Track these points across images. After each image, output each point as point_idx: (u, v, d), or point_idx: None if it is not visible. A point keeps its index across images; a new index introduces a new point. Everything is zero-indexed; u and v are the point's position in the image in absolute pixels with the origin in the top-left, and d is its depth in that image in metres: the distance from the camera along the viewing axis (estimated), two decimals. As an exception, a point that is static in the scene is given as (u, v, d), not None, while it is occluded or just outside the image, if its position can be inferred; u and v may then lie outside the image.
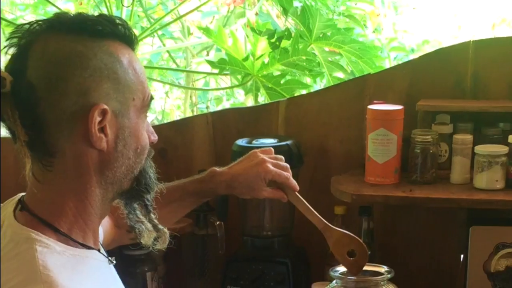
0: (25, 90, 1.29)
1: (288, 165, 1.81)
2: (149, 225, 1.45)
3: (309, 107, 2.53)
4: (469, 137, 2.21)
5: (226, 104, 3.73)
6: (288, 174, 1.79)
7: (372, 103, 2.33)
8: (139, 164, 1.40)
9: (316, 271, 2.46)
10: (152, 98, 1.42)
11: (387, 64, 3.27)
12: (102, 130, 1.32)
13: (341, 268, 1.90)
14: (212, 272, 2.50)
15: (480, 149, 2.14)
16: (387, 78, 2.48)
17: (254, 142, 2.39)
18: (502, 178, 2.13)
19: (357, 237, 1.84)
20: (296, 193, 1.82)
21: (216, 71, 3.00)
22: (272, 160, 1.80)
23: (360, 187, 2.21)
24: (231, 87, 3.56)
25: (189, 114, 3.61)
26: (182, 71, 3.75)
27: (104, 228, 1.66)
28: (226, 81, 3.65)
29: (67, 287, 1.23)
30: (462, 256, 2.25)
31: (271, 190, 1.79)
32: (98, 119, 1.31)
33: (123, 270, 2.46)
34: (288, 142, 2.35)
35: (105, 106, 1.31)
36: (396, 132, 2.23)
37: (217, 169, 1.81)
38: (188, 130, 2.63)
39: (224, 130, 2.60)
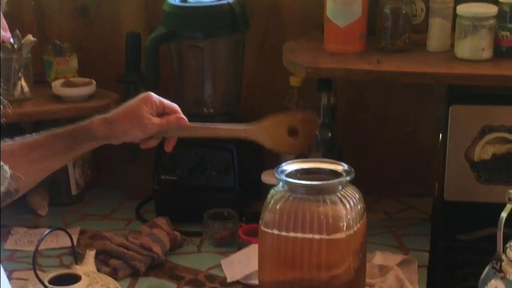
0: None
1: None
2: None
3: (259, -48, 2.23)
4: (450, -6, 1.94)
5: None
6: None
7: None
8: None
9: (270, 155, 2.22)
10: None
11: None
12: None
13: (289, 167, 1.64)
14: (146, 156, 2.24)
15: (463, 9, 1.89)
16: None
17: (189, 0, 2.09)
18: (490, 46, 1.88)
19: (282, 114, 1.66)
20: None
21: None
22: None
23: (317, 58, 1.95)
24: None
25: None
26: None
27: None
28: None
29: None
30: (441, 135, 2.00)
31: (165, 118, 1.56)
32: None
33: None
34: (230, 0, 2.06)
35: None
36: (361, -12, 1.94)
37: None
38: (114, -17, 2.32)
39: (157, -17, 2.29)
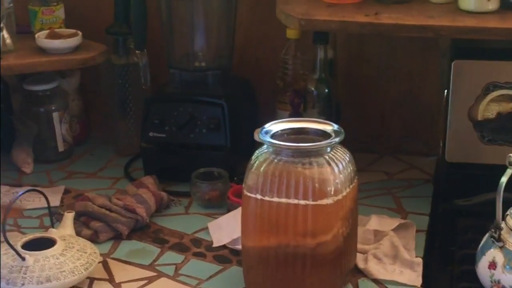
0: None
1: None
2: None
3: None
4: None
5: None
6: None
7: None
8: None
9: (265, 110, 2.15)
10: None
11: None
12: None
13: (275, 127, 1.57)
14: (136, 112, 2.18)
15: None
16: None
17: None
18: (496, -4, 1.77)
19: None
20: None
21: None
22: None
23: (311, 9, 1.85)
24: None
25: None
26: None
27: None
28: None
29: None
30: (446, 91, 1.91)
31: None
32: None
33: (24, 109, 2.16)
34: None
35: None
36: None
37: None
38: None
39: None
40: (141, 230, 1.83)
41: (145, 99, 2.06)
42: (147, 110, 2.04)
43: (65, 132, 2.20)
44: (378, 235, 1.75)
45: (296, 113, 2.01)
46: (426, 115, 2.13)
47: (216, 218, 1.85)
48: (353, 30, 1.80)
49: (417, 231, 1.79)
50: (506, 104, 1.81)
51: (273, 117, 2.06)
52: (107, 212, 1.81)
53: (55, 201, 1.95)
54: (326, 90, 1.97)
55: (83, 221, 1.82)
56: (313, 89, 1.96)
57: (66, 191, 2.02)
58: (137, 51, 2.07)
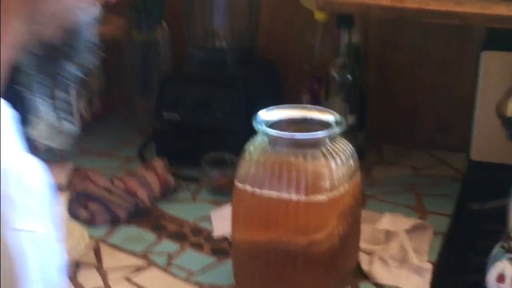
0: None
1: None
2: None
3: None
4: None
5: None
6: None
7: None
8: None
9: (291, 95, 2.05)
10: None
11: None
12: None
13: (273, 114, 1.48)
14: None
15: None
16: None
17: None
18: (534, -17, 1.64)
19: None
20: None
21: None
22: None
23: (334, -11, 1.74)
24: None
25: None
26: None
27: None
28: None
29: None
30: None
31: None
32: None
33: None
34: None
35: None
36: None
37: None
38: None
39: None
40: (141, 215, 1.76)
41: (160, 78, 1.99)
42: (161, 89, 1.96)
43: (82, 108, 2.14)
44: (390, 235, 1.64)
45: (314, 100, 1.91)
46: (462, 108, 2.00)
47: (222, 206, 1.78)
48: (375, 14, 1.70)
49: (434, 233, 1.68)
50: (538, 101, 1.69)
51: (298, 102, 1.97)
52: (107, 194, 1.75)
53: (60, 178, 1.90)
54: (350, 77, 1.86)
55: (83, 202, 1.76)
56: (335, 75, 1.86)
57: (75, 169, 1.96)
58: (155, 26, 2.00)
